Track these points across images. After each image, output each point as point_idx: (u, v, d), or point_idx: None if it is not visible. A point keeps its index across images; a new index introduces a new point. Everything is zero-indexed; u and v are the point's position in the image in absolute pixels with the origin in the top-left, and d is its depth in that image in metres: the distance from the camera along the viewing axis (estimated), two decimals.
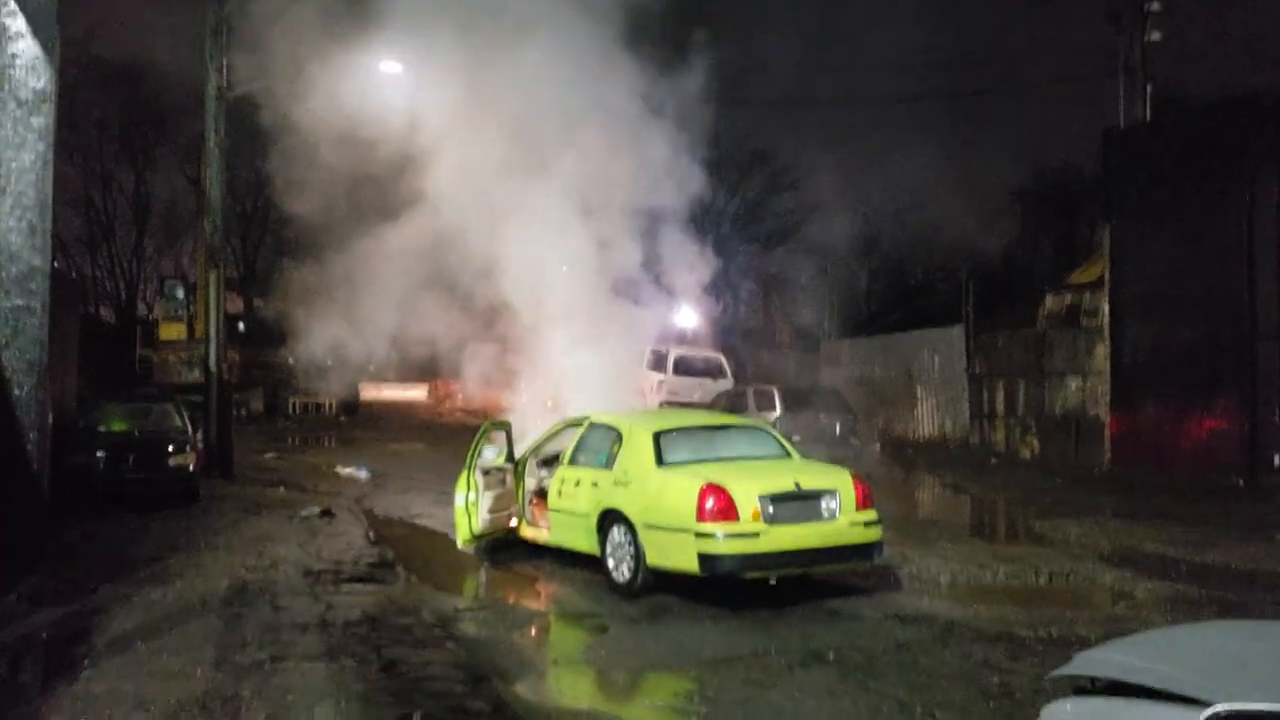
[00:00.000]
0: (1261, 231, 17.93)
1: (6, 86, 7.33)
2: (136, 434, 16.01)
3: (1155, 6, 22.09)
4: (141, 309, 43.40)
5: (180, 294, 36.49)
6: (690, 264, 18.51)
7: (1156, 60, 22.66)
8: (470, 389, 28.80)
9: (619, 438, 10.49)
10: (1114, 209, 20.86)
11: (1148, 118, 22.03)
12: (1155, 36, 22.25)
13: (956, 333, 25.25)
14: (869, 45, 57.99)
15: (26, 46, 7.31)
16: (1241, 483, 17.62)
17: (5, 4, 7.60)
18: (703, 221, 29.86)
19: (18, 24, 6.91)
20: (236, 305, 37.35)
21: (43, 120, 7.27)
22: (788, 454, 10.54)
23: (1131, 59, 22.51)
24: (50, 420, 10.67)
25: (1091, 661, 3.90)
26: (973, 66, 55.91)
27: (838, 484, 9.62)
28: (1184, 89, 25.44)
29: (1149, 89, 22.24)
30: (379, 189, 17.43)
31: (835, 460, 11.62)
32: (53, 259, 8.66)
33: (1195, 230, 18.92)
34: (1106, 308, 20.62)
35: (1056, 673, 4.01)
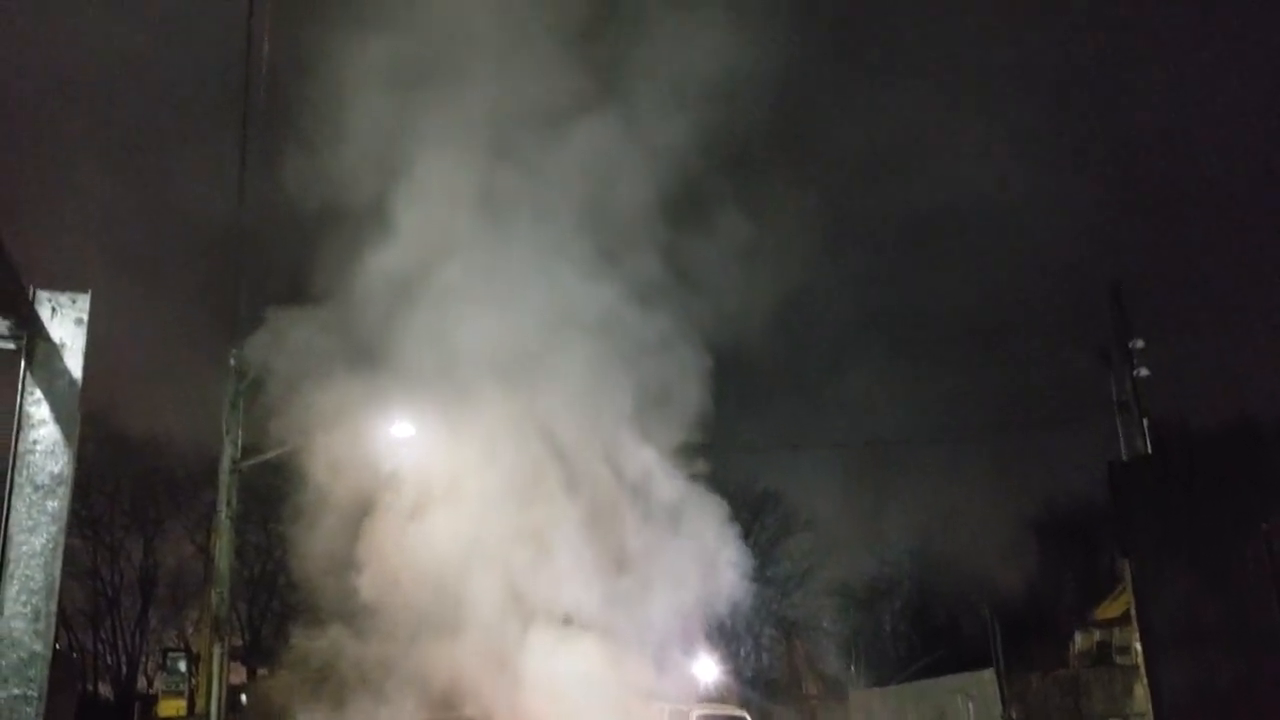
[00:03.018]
0: None
1: (25, 472, 7.37)
2: None
3: (1139, 344, 22.88)
4: (142, 683, 42.09)
5: (182, 667, 35.46)
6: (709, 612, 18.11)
7: (1151, 392, 23.21)
8: None
9: None
10: (1129, 543, 20.59)
11: (1149, 450, 22.23)
12: (1144, 372, 22.90)
13: (988, 676, 24.30)
14: (865, 386, 59.81)
15: (48, 432, 7.42)
16: None
17: (30, 391, 7.81)
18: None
19: (41, 411, 7.05)
20: (239, 675, 36.23)
21: (57, 503, 7.27)
22: None
23: (1124, 394, 23.05)
24: None
25: None
26: (974, 403, 57.36)
27: None
28: (1182, 418, 25.89)
29: (1146, 422, 22.62)
30: (387, 552, 17.32)
31: None
32: (55, 642, 8.42)
33: (1217, 562, 18.56)
34: (1139, 645, 19.89)
35: None
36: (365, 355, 17.45)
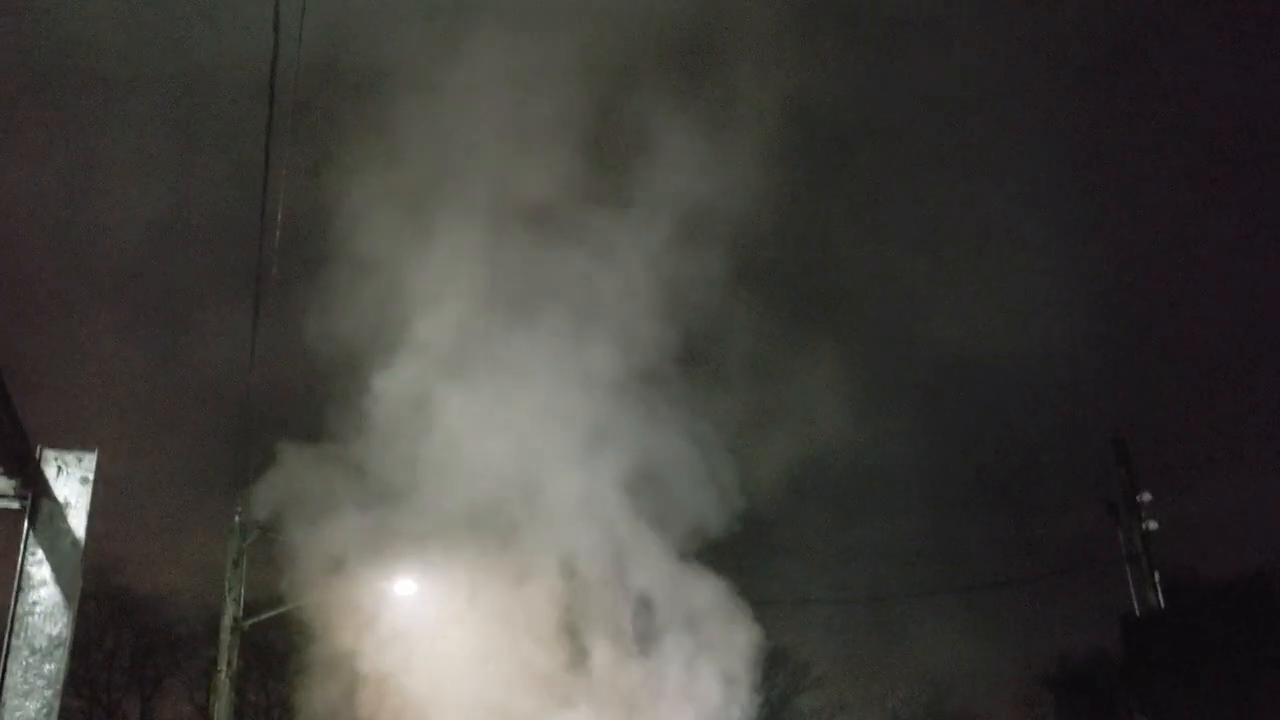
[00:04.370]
0: None
1: (23, 634, 7.36)
2: None
3: (1147, 497, 22.60)
4: None
5: None
6: None
7: (1161, 542, 22.79)
8: None
9: None
10: (1147, 698, 20.12)
11: (1160, 603, 21.87)
12: (1153, 525, 22.59)
13: None
14: (872, 539, 59.21)
15: (49, 593, 7.44)
16: None
17: (32, 552, 7.84)
18: None
19: (42, 572, 7.10)
20: None
21: (54, 666, 7.22)
22: None
23: (1134, 546, 22.74)
24: None
25: None
26: (983, 555, 56.67)
27: None
28: (1193, 570, 25.48)
29: (1157, 575, 22.27)
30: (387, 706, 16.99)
31: None
32: None
33: (1242, 716, 18.10)
34: None
35: None
36: (370, 502, 17.38)
